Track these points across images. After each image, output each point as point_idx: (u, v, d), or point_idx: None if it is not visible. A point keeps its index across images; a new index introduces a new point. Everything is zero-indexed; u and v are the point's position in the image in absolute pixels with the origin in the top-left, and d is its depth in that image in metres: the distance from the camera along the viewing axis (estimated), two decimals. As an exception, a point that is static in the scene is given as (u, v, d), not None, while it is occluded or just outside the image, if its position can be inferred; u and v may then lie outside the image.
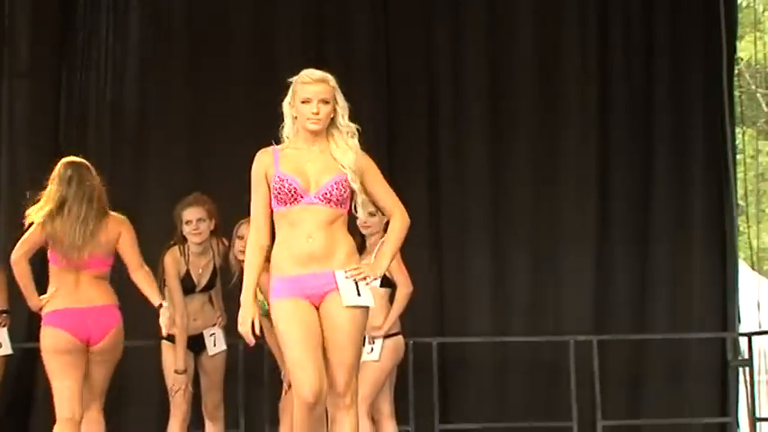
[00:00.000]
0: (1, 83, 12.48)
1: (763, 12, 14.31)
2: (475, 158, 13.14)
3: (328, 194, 6.16)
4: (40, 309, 9.77)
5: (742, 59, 14.66)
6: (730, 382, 13.06)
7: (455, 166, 13.24)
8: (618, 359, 12.71)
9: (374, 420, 10.90)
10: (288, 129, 6.54)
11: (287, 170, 6.24)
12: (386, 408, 10.99)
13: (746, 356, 12.71)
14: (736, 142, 13.84)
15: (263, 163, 6.44)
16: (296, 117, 6.46)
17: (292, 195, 6.18)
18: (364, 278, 6.14)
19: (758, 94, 15.80)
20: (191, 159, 12.70)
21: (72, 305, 9.44)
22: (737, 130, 14.07)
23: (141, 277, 9.67)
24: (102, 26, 12.67)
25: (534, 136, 13.13)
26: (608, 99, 13.31)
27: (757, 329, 13.30)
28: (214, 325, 10.69)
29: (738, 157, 14.10)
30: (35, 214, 9.62)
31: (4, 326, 11.07)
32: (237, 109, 12.83)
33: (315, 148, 6.43)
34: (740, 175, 14.14)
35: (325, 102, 6.27)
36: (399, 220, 6.50)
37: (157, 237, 11.02)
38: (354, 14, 13.56)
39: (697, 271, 13.18)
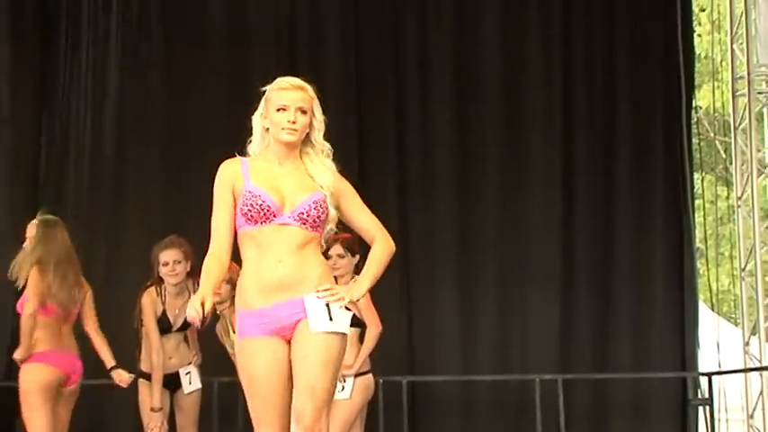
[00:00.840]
0: None
1: (721, 62, 14.39)
2: (443, 209, 13.01)
3: (305, 214, 5.44)
4: (26, 358, 10.09)
5: (701, 108, 14.71)
6: (690, 420, 13.13)
7: (424, 203, 13.12)
8: (582, 397, 12.71)
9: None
10: (256, 143, 5.77)
11: (258, 185, 5.51)
12: None
13: (707, 395, 12.77)
14: (696, 188, 13.91)
15: (230, 173, 5.65)
16: (267, 129, 5.72)
17: (264, 214, 5.45)
18: (338, 300, 5.39)
19: (716, 142, 15.89)
20: (167, 201, 12.58)
21: (56, 349, 10.01)
22: (696, 176, 14.19)
23: (101, 341, 10.45)
24: (82, 73, 12.58)
25: (500, 181, 13.00)
26: (572, 144, 13.32)
27: (717, 369, 13.34)
28: (189, 363, 10.54)
29: (698, 202, 14.19)
30: (24, 269, 10.09)
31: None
32: (215, 150, 12.38)
33: (287, 164, 5.71)
34: (699, 220, 14.19)
35: (303, 111, 5.57)
36: (382, 245, 5.73)
37: (135, 278, 11.07)
38: (325, 24, 13.61)
39: (658, 312, 13.25)
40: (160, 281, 10.38)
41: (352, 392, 10.35)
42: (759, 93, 13.30)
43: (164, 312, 10.46)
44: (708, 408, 12.83)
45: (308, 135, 5.57)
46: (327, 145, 5.60)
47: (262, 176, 5.42)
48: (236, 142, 6.15)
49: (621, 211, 13.27)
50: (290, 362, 5.42)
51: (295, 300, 5.33)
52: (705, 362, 13.45)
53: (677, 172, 13.36)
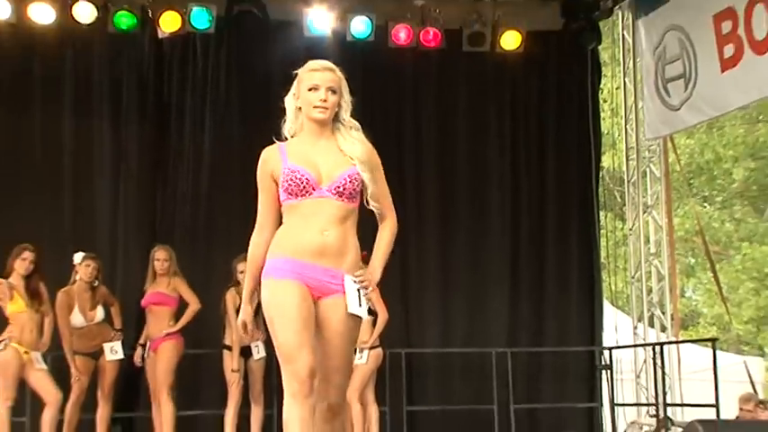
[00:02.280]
0: (119, 185, 12.21)
1: (618, 137, 14.49)
2: (432, 245, 12.83)
3: (341, 188, 4.63)
4: None
5: (604, 168, 14.83)
6: (597, 380, 13.06)
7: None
8: (523, 364, 12.57)
9: (362, 405, 10.65)
10: (290, 123, 4.90)
11: (297, 162, 4.68)
12: (370, 396, 10.93)
13: (608, 363, 12.82)
14: (600, 222, 13.99)
15: (268, 160, 4.82)
16: (300, 108, 4.83)
17: (304, 187, 4.62)
18: (368, 287, 4.62)
19: (615, 191, 16.07)
20: (246, 233, 11.79)
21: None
22: (601, 213, 14.20)
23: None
24: (185, 143, 12.42)
25: (467, 228, 12.93)
26: (520, 196, 13.17)
27: (615, 345, 13.33)
28: (257, 340, 10.56)
29: (602, 231, 14.29)
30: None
31: (118, 339, 10.60)
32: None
33: (321, 142, 4.82)
34: (603, 243, 14.36)
35: (333, 91, 4.74)
36: (389, 229, 4.90)
37: (220, 286, 10.87)
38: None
39: (575, 305, 13.21)
40: (238, 284, 10.41)
41: (368, 360, 10.63)
42: (643, 158, 13.43)
43: (239, 306, 10.44)
44: (609, 371, 12.87)
45: (337, 113, 4.79)
46: (355, 122, 4.84)
47: (299, 155, 4.69)
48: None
49: (552, 237, 13.17)
50: (314, 312, 4.59)
51: (335, 270, 4.57)
52: (607, 340, 13.47)
53: (589, 211, 13.36)
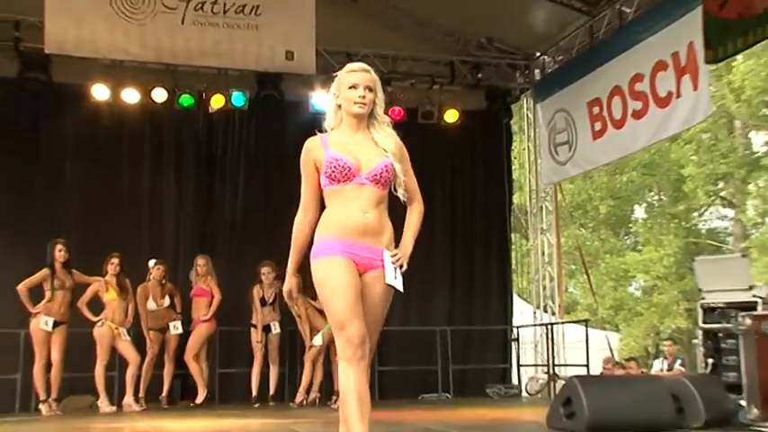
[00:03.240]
0: (180, 214, 12.26)
1: (524, 182, 14.69)
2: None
3: (378, 176, 4.07)
4: None
5: (515, 203, 14.96)
6: (508, 349, 13.13)
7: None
8: (458, 338, 12.47)
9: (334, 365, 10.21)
10: (330, 118, 4.29)
11: (338, 151, 4.09)
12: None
13: (516, 336, 13.04)
14: (512, 240, 14.09)
15: (312, 150, 4.19)
16: (339, 106, 4.23)
17: (346, 174, 4.04)
18: (402, 264, 4.07)
19: (522, 219, 16.11)
20: (267, 250, 11.37)
21: None
22: (513, 234, 14.34)
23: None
24: (227, 189, 12.46)
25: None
26: (457, 225, 13.23)
27: (521, 324, 13.50)
28: (274, 320, 10.73)
29: (513, 246, 14.34)
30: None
31: (179, 320, 10.70)
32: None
33: (358, 135, 4.21)
34: (513, 255, 14.44)
35: (370, 89, 4.16)
36: (418, 212, 4.30)
37: (247, 284, 10.93)
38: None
39: (494, 297, 13.25)
40: (261, 282, 10.60)
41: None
42: (541, 197, 13.59)
43: (262, 297, 10.53)
44: (517, 342, 13.10)
45: (372, 110, 4.18)
46: (387, 118, 4.26)
47: (340, 146, 4.09)
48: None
49: (479, 250, 13.19)
50: (360, 285, 3.98)
51: (375, 248, 4.00)
52: (515, 321, 13.65)
53: (504, 232, 13.51)
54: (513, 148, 14.35)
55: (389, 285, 3.95)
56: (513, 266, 14.88)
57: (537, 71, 13.54)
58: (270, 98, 12.08)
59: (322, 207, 4.12)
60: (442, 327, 12.28)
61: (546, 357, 12.65)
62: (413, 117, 12.58)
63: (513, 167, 14.71)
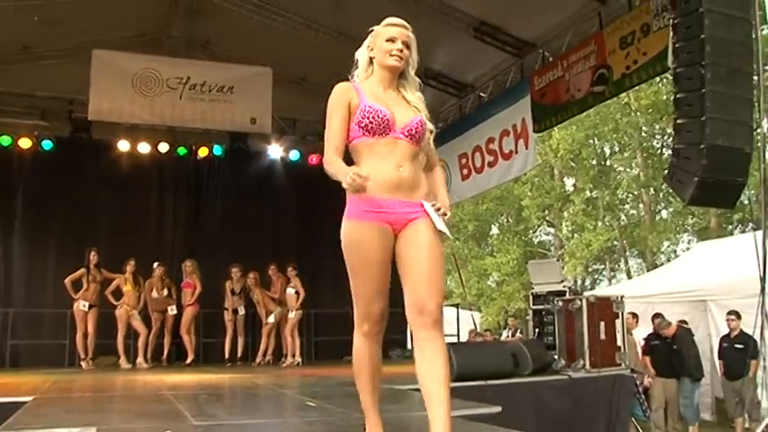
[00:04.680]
0: (176, 232, 12.13)
1: None
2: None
3: (413, 131, 2.88)
4: None
5: None
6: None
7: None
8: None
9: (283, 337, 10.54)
10: (360, 71, 3.03)
11: (376, 102, 2.88)
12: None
13: None
14: None
15: (346, 91, 2.91)
16: (372, 60, 2.99)
17: (383, 126, 2.83)
18: (444, 214, 2.84)
19: None
20: (236, 255, 11.44)
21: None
22: None
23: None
24: (210, 214, 12.35)
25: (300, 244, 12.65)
26: None
27: None
28: (241, 305, 10.84)
29: None
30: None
31: (173, 304, 10.55)
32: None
33: (390, 92, 2.96)
34: None
35: (407, 46, 2.96)
36: (442, 172, 3.14)
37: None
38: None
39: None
40: (231, 278, 10.66)
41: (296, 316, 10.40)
42: None
43: (232, 288, 10.80)
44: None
45: (403, 71, 2.98)
46: (418, 80, 3.04)
47: (374, 96, 2.90)
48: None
49: None
50: (393, 249, 2.80)
51: (412, 202, 2.81)
52: None
53: None
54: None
55: (440, 231, 2.78)
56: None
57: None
58: (239, 150, 12.15)
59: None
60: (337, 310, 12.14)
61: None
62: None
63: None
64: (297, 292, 10.43)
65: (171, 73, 10.69)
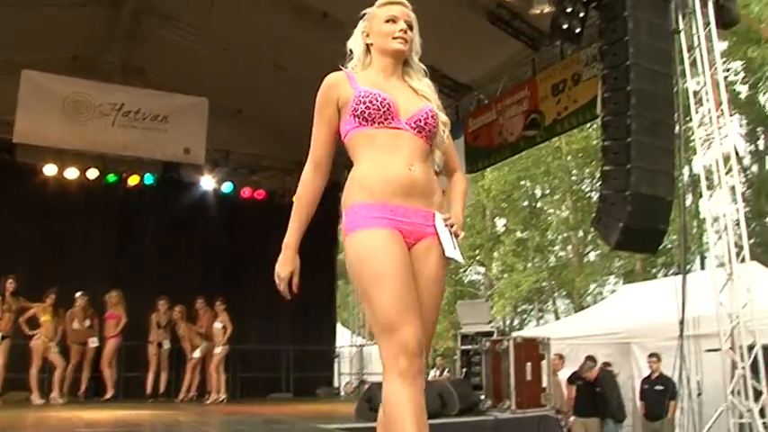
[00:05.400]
0: (101, 260, 11.80)
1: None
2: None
3: (421, 122, 2.27)
4: None
5: (339, 258, 14.93)
6: (333, 361, 13.13)
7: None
8: (298, 354, 12.23)
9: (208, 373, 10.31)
10: (356, 61, 2.43)
11: (371, 87, 2.29)
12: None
13: (338, 354, 13.08)
14: (338, 285, 14.14)
15: (335, 85, 2.32)
16: (368, 47, 2.41)
17: (384, 113, 2.23)
18: (458, 232, 2.28)
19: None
20: (164, 287, 11.37)
21: None
22: (339, 280, 14.49)
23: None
24: (138, 241, 12.10)
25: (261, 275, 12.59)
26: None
27: (341, 345, 13.48)
28: (166, 339, 10.64)
29: (339, 288, 14.33)
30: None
31: (95, 336, 10.25)
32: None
33: (392, 80, 2.38)
34: (339, 295, 14.41)
35: (410, 27, 2.40)
36: (463, 181, 2.50)
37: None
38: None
39: (324, 324, 13.09)
40: (158, 310, 10.44)
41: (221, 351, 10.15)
42: None
43: (158, 321, 10.62)
44: (338, 357, 13.20)
45: (406, 58, 2.43)
46: (423, 66, 2.46)
47: (371, 83, 2.32)
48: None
49: (315, 292, 12.23)
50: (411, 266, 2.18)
51: (425, 211, 2.23)
52: (338, 342, 13.62)
53: (333, 279, 13.61)
54: (340, 220, 14.30)
55: (449, 258, 2.25)
56: (338, 303, 14.92)
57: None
58: (171, 179, 12.02)
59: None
60: (287, 346, 12.17)
61: (358, 368, 12.80)
62: (272, 198, 12.58)
63: (341, 234, 14.73)
64: (224, 327, 10.26)
65: (104, 98, 10.55)
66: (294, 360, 12.13)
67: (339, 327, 14.62)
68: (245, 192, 12.46)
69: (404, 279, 2.11)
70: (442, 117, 2.38)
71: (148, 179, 11.88)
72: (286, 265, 2.36)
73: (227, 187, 12.48)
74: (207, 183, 12.32)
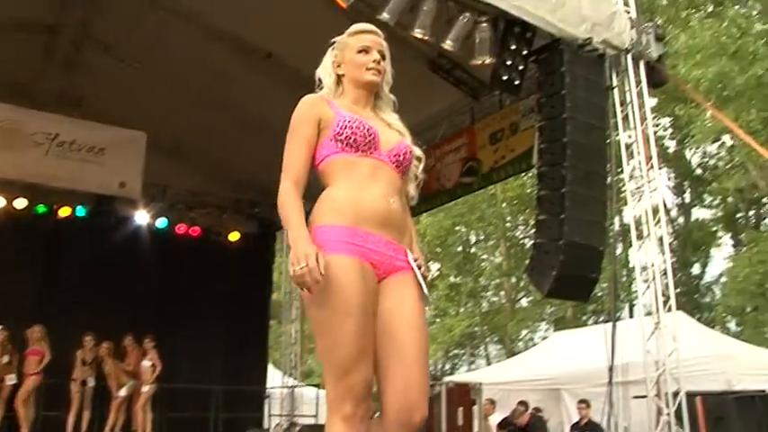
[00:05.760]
0: (24, 290, 11.33)
1: (282, 284, 14.66)
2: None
3: (400, 156, 2.24)
4: None
5: (273, 299, 14.79)
6: (264, 402, 12.88)
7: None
8: (230, 393, 11.77)
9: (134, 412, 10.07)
10: (327, 91, 2.34)
11: (354, 114, 2.25)
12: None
13: (268, 395, 12.85)
14: (270, 325, 13.96)
15: (316, 105, 2.22)
16: (341, 76, 2.34)
17: (368, 142, 2.17)
18: (425, 274, 2.19)
19: (278, 310, 15.67)
20: (91, 323, 10.92)
21: None
22: (271, 321, 14.31)
23: None
24: (66, 273, 11.80)
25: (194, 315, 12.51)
26: (230, 309, 12.57)
27: (272, 386, 13.23)
28: (90, 376, 10.30)
29: (271, 330, 14.14)
30: None
31: (14, 372, 9.85)
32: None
33: (366, 112, 2.33)
34: (271, 336, 14.23)
35: (383, 57, 2.35)
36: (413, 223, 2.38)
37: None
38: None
39: (255, 366, 12.92)
40: (83, 346, 10.11)
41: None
42: (291, 296, 13.66)
43: (84, 358, 10.38)
44: (269, 398, 12.96)
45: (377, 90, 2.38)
46: (394, 98, 2.42)
47: (351, 111, 2.27)
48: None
49: (247, 331, 12.73)
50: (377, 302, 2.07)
51: (398, 246, 2.15)
52: (269, 382, 13.46)
53: (265, 320, 13.48)
54: (275, 261, 14.29)
55: (425, 298, 2.18)
56: (270, 343, 14.75)
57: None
58: (104, 213, 11.77)
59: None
60: (217, 386, 11.83)
61: (289, 410, 12.62)
62: (207, 235, 12.54)
63: (276, 273, 14.60)
64: (153, 365, 10.06)
65: (38, 127, 10.31)
66: (224, 400, 11.79)
67: (270, 367, 14.44)
68: (180, 228, 12.31)
69: (364, 320, 2.00)
70: (417, 152, 2.35)
71: (80, 211, 11.58)
72: (309, 245, 1.96)
73: (161, 223, 12.29)
74: (141, 217, 12.10)
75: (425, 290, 2.17)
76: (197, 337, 11.89)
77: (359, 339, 1.97)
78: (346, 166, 2.17)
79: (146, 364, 10.13)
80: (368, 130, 2.20)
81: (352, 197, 2.12)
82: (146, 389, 10.11)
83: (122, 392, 10.20)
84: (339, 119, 2.20)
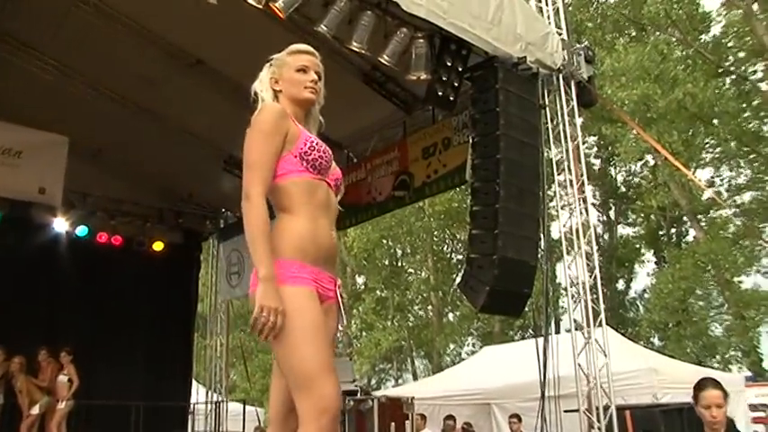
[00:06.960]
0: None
1: (207, 296, 14.39)
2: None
3: (339, 182, 2.45)
4: None
5: (198, 311, 14.52)
6: (187, 419, 12.55)
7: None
8: (150, 411, 11.37)
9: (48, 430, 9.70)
10: None
11: (315, 137, 2.40)
12: None
13: (192, 410, 12.52)
14: (194, 339, 13.70)
15: (284, 117, 2.30)
16: (278, 92, 2.42)
17: (327, 167, 2.35)
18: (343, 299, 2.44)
19: (202, 323, 15.46)
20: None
21: None
22: (195, 334, 14.02)
23: None
24: None
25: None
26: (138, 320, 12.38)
27: (196, 401, 12.93)
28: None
29: (195, 343, 13.88)
30: None
31: None
32: None
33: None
34: (195, 349, 13.95)
35: (319, 77, 2.48)
36: None
37: None
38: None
39: (178, 380, 12.58)
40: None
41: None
42: (216, 308, 13.45)
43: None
44: (193, 414, 12.63)
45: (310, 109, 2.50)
46: (321, 118, 2.54)
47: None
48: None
49: (170, 345, 12.54)
50: None
51: (332, 277, 2.34)
52: (193, 398, 13.13)
53: (189, 332, 13.15)
54: (200, 272, 14.05)
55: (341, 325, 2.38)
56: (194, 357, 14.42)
57: (221, 221, 13.45)
58: (19, 219, 11.27)
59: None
60: (138, 402, 11.45)
61: (214, 427, 12.36)
62: (129, 244, 12.26)
63: (201, 285, 14.37)
64: (70, 380, 9.67)
65: (-53, 126, 9.84)
66: (145, 416, 11.41)
67: (194, 382, 14.12)
68: (102, 237, 11.96)
69: (325, 337, 2.21)
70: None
71: (-7, 216, 11.04)
72: (275, 299, 2.15)
73: (81, 231, 11.90)
74: (60, 225, 11.67)
75: (344, 317, 2.41)
76: (117, 350, 11.61)
77: (324, 355, 2.16)
78: (308, 191, 2.29)
79: (62, 379, 9.74)
80: (330, 155, 2.35)
81: (311, 235, 2.25)
82: (61, 406, 9.71)
83: (35, 410, 9.71)
84: (305, 138, 2.31)
